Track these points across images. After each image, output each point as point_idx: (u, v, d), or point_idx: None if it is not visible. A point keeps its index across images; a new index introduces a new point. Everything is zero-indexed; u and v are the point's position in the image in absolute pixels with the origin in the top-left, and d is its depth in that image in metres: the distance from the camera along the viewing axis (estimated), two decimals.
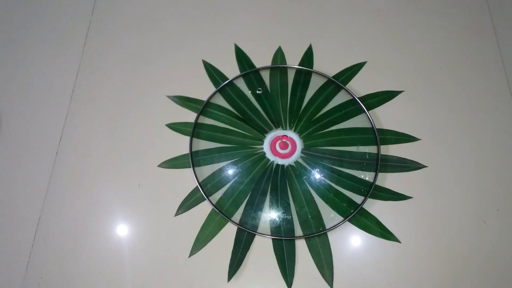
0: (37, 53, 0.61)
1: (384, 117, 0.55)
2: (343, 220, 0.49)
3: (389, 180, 0.51)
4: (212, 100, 0.57)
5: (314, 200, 0.50)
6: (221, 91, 0.57)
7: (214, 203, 0.50)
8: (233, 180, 0.52)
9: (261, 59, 0.59)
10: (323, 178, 0.52)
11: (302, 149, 0.54)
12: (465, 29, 0.61)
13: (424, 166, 0.52)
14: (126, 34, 0.63)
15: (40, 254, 0.49)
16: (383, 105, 0.56)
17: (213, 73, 0.59)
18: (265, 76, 0.58)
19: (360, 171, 0.52)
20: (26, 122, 0.57)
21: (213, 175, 0.52)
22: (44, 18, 0.64)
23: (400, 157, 0.52)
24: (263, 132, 0.55)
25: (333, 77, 0.57)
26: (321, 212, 0.49)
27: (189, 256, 0.48)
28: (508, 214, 0.49)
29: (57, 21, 0.64)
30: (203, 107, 0.56)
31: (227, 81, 0.58)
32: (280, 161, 0.53)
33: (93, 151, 0.54)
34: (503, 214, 0.49)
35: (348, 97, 0.56)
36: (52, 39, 0.62)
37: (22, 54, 0.61)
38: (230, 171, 0.52)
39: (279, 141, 0.54)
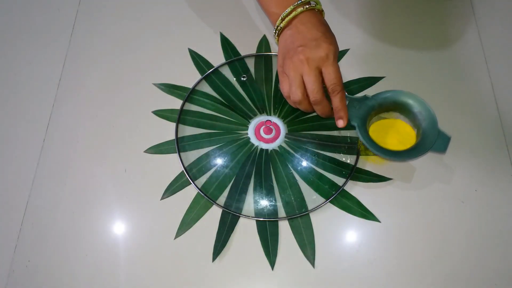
0: (24, 42, 0.62)
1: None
2: (325, 202, 0.50)
3: (370, 163, 0.52)
4: (197, 87, 0.58)
5: (297, 183, 0.51)
6: (206, 78, 0.58)
7: (199, 187, 0.51)
8: (218, 164, 0.53)
9: (246, 47, 0.60)
10: (306, 161, 0.53)
11: (286, 134, 0.55)
12: (445, 15, 0.62)
13: None
14: (112, 23, 0.63)
15: (28, 238, 0.50)
16: (365, 91, 0.57)
17: (199, 61, 0.60)
18: (250, 63, 0.59)
19: (342, 155, 0.53)
20: (13, 110, 0.57)
21: (199, 160, 0.53)
22: (32, 8, 0.65)
23: None
24: (248, 118, 0.56)
25: None
26: (304, 194, 0.51)
27: (174, 238, 0.49)
28: (486, 194, 0.51)
29: (45, 11, 0.65)
30: (189, 94, 0.57)
31: (213, 68, 0.59)
32: (264, 146, 0.54)
33: (80, 138, 0.55)
34: (481, 194, 0.51)
35: None
36: (40, 28, 0.63)
37: (9, 44, 0.62)
38: (215, 156, 0.53)
39: (263, 127, 0.55)
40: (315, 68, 0.46)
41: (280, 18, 0.48)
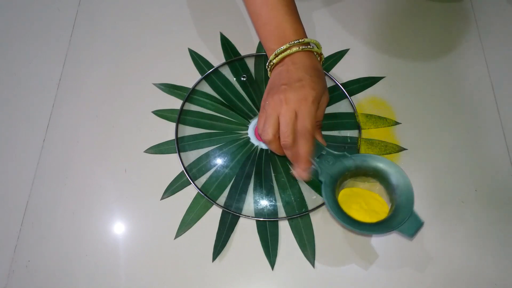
0: (24, 42, 0.62)
1: (366, 102, 0.56)
2: None
3: None
4: (197, 87, 0.58)
5: (297, 183, 0.51)
6: (206, 78, 0.58)
7: (199, 187, 0.51)
8: (218, 164, 0.53)
9: (246, 47, 0.60)
10: None
11: None
12: (445, 16, 0.62)
13: (404, 149, 0.53)
14: (112, 23, 0.63)
15: (28, 238, 0.50)
16: (364, 91, 0.57)
17: (199, 61, 0.60)
18: (250, 63, 0.59)
19: None
20: (13, 110, 0.57)
21: (199, 160, 0.53)
22: (32, 8, 0.65)
23: (381, 140, 0.54)
24: (248, 118, 0.56)
25: None
26: (304, 194, 0.51)
27: (174, 238, 0.49)
28: (486, 194, 0.51)
29: (45, 11, 0.65)
30: (189, 94, 0.57)
31: (213, 68, 0.59)
32: (264, 146, 0.54)
33: (80, 138, 0.55)
34: (481, 194, 0.51)
35: (331, 84, 0.57)
36: (40, 28, 0.63)
37: (9, 44, 0.62)
38: (215, 156, 0.53)
39: None
40: (292, 110, 0.43)
41: (274, 53, 0.47)
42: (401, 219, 0.43)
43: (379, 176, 0.46)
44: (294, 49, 0.46)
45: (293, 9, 0.49)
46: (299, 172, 0.45)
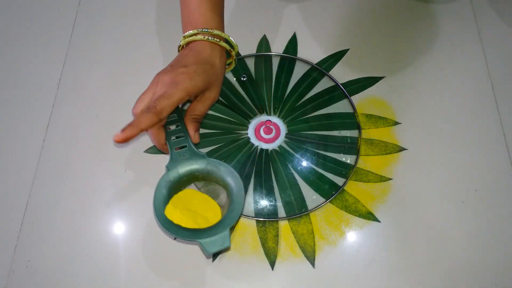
0: (24, 42, 0.62)
1: (366, 102, 0.56)
2: (325, 202, 0.50)
3: (370, 163, 0.52)
4: None
5: (297, 183, 0.51)
6: None
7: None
8: None
9: (246, 47, 0.60)
10: (306, 161, 0.53)
11: (286, 134, 0.55)
12: (446, 16, 0.62)
13: (404, 149, 0.53)
14: (112, 23, 0.63)
15: (28, 238, 0.50)
16: (364, 91, 0.57)
17: None
18: (250, 63, 0.59)
19: (342, 155, 0.53)
20: (13, 110, 0.57)
21: None
22: (32, 8, 0.65)
23: (381, 140, 0.54)
24: (248, 118, 0.56)
25: (317, 64, 0.59)
26: (304, 194, 0.51)
27: (174, 238, 0.49)
28: (486, 194, 0.51)
29: (45, 11, 0.65)
30: None
31: None
32: (264, 146, 0.54)
33: (80, 138, 0.55)
34: (481, 194, 0.51)
35: (331, 84, 0.57)
36: (40, 28, 0.63)
37: (9, 44, 0.62)
38: (215, 156, 0.53)
39: (263, 127, 0.55)
40: (163, 91, 0.44)
41: (183, 36, 0.48)
42: (214, 233, 0.42)
43: (227, 189, 0.46)
44: (199, 36, 0.47)
45: (218, 4, 0.50)
46: (122, 131, 0.44)
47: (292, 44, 0.60)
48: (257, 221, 0.50)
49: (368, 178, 0.52)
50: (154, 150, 0.54)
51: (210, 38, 0.47)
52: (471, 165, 0.52)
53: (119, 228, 0.50)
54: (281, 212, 0.50)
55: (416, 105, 0.56)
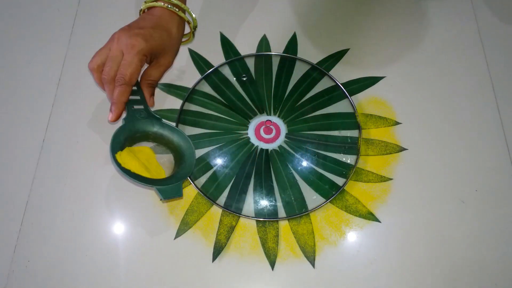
0: (24, 42, 0.62)
1: (366, 102, 0.56)
2: (325, 202, 0.50)
3: (370, 163, 0.52)
4: (197, 87, 0.58)
5: (297, 183, 0.51)
6: (206, 78, 0.58)
7: (199, 187, 0.51)
8: (218, 164, 0.53)
9: (246, 47, 0.60)
10: (306, 161, 0.53)
11: (286, 134, 0.55)
12: (446, 16, 0.62)
13: (405, 149, 0.53)
14: (112, 23, 0.63)
15: (28, 238, 0.50)
16: (364, 91, 0.57)
17: (199, 61, 0.60)
18: (250, 63, 0.59)
19: (342, 155, 0.53)
20: (13, 110, 0.57)
21: (199, 160, 0.53)
22: (32, 8, 0.65)
23: (382, 140, 0.54)
24: (248, 118, 0.56)
25: (317, 64, 0.59)
26: (304, 194, 0.51)
27: (174, 238, 0.49)
28: (486, 194, 0.51)
29: (45, 11, 0.65)
30: (189, 94, 0.57)
31: (213, 68, 0.58)
32: (264, 146, 0.54)
33: (80, 138, 0.55)
34: (482, 194, 0.51)
35: (331, 83, 0.57)
36: (39, 28, 0.63)
37: (9, 44, 0.62)
38: (215, 156, 0.53)
39: (263, 127, 0.55)
40: (119, 50, 0.47)
41: (144, 1, 0.51)
42: (168, 183, 0.47)
43: (177, 151, 0.51)
44: (160, 3, 0.50)
45: None
46: (109, 115, 0.48)
47: (292, 44, 0.60)
48: (257, 221, 0.50)
49: (368, 178, 0.52)
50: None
51: (169, 6, 0.50)
52: (471, 165, 0.52)
53: (119, 228, 0.50)
54: (281, 212, 0.50)
55: (416, 105, 0.56)
